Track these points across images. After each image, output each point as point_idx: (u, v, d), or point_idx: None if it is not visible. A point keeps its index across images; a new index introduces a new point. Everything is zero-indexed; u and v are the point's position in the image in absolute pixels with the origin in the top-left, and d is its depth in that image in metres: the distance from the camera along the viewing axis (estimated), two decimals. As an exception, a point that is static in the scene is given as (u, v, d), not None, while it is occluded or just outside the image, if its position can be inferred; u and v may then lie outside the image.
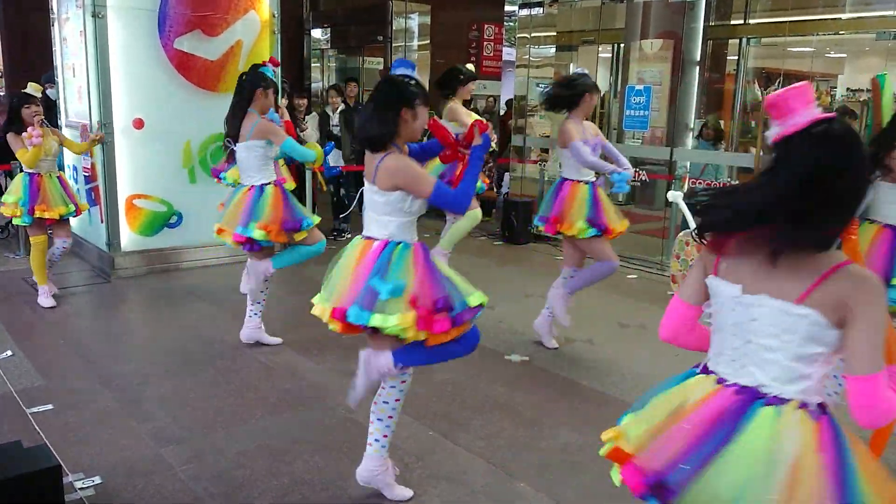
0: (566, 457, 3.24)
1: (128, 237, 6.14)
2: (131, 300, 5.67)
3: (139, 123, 6.00)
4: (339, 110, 7.87)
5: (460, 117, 5.02)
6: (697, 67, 8.21)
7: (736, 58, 9.82)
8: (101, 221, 6.11)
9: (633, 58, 8.43)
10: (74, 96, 6.39)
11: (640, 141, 7.70)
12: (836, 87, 12.11)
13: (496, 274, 5.86)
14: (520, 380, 4.13)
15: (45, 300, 5.26)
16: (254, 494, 2.88)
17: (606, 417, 3.60)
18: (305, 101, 7.78)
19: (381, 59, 10.95)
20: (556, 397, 3.88)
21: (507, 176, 8.38)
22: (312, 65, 12.29)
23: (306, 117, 7.59)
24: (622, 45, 9.46)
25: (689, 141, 8.20)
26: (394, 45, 11.02)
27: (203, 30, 6.17)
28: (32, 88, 5.19)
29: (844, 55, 12.63)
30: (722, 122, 8.46)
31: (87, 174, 6.23)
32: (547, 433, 3.46)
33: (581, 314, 5.23)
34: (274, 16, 6.59)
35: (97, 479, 2.94)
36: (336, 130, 7.87)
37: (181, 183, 6.23)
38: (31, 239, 5.27)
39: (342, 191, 8.02)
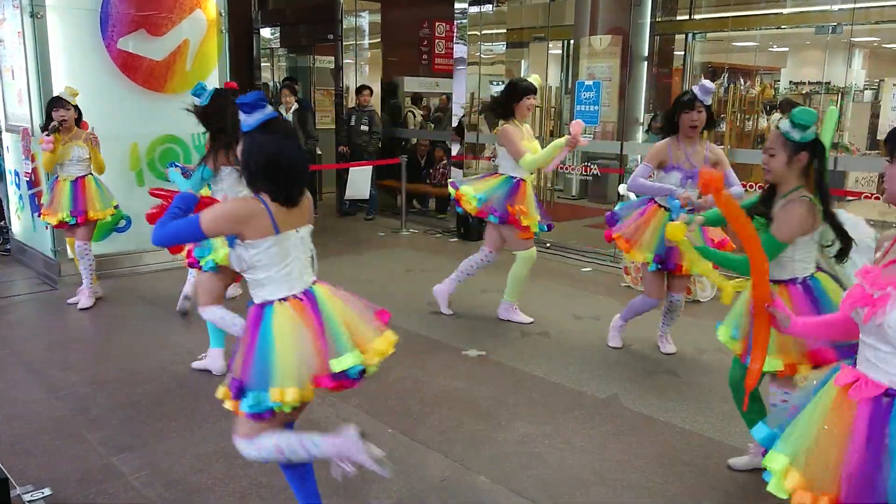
0: (524, 448, 3.27)
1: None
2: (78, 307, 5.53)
3: (83, 127, 5.84)
4: (292, 109, 7.80)
5: (511, 143, 4.71)
6: (646, 63, 8.37)
7: (682, 53, 10.03)
8: (46, 227, 5.94)
9: (583, 54, 8.53)
10: (14, 99, 6.19)
11: (591, 136, 7.79)
12: (779, 81, 12.46)
13: (452, 270, 5.85)
14: (477, 374, 4.15)
15: (86, 300, 5.32)
16: (210, 499, 2.84)
17: (563, 408, 3.67)
18: None
19: (333, 58, 10.86)
20: (512, 390, 3.91)
21: (460, 173, 8.39)
22: (262, 64, 12.13)
23: None
24: (572, 42, 9.58)
25: (640, 135, 8.34)
26: (344, 43, 10.95)
27: (147, 29, 6.05)
28: (67, 92, 5.11)
29: (787, 49, 13.00)
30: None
31: (28, 179, 6.05)
32: (504, 426, 3.49)
33: (536, 307, 5.29)
34: (221, 14, 6.49)
35: (46, 491, 2.86)
36: (288, 130, 7.80)
37: (129, 186, 6.08)
38: (68, 242, 5.38)
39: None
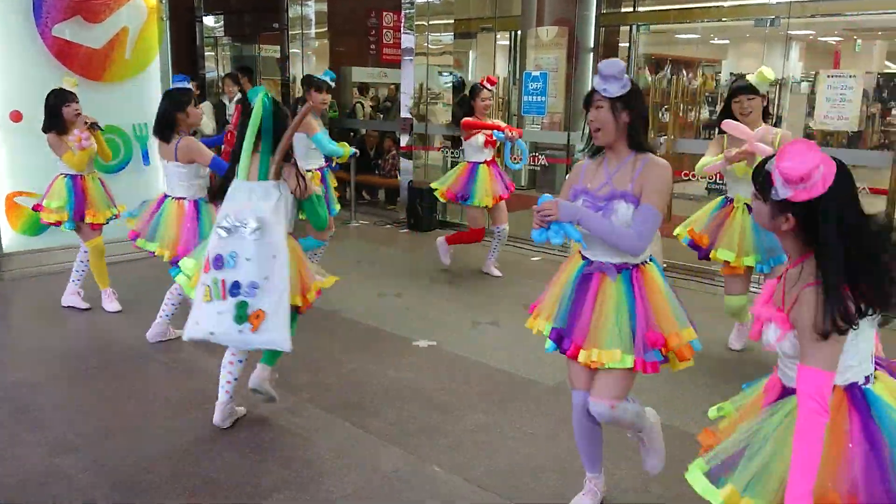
0: (476, 437, 3.29)
1: (11, 237, 5.77)
2: (18, 304, 5.34)
3: (17, 116, 5.62)
4: (235, 99, 7.65)
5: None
6: (591, 54, 8.45)
7: (627, 45, 10.18)
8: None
9: (530, 45, 8.58)
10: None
11: (538, 126, 7.86)
12: (720, 72, 12.76)
13: (402, 261, 5.88)
14: (428, 364, 4.16)
15: (109, 304, 4.99)
16: (158, 499, 2.79)
17: (514, 397, 3.71)
18: (197, 87, 7.48)
19: (278, 48, 10.69)
20: (464, 380, 3.94)
21: (409, 163, 8.38)
22: (206, 53, 11.87)
23: (199, 105, 7.30)
24: (519, 33, 9.63)
25: (586, 126, 8.44)
26: (290, 32, 10.78)
27: (84, 16, 5.85)
28: (67, 84, 4.81)
29: (727, 41, 13.32)
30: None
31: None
32: (456, 415, 3.51)
33: (486, 296, 5.33)
34: (161, 2, 6.32)
35: (-15, 495, 2.77)
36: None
37: (67, 178, 5.89)
38: (86, 244, 4.88)
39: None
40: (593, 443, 2.65)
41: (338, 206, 5.39)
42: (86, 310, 4.98)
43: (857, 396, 1.72)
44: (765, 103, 3.78)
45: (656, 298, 2.44)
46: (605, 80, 2.40)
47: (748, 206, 3.72)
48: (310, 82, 5.23)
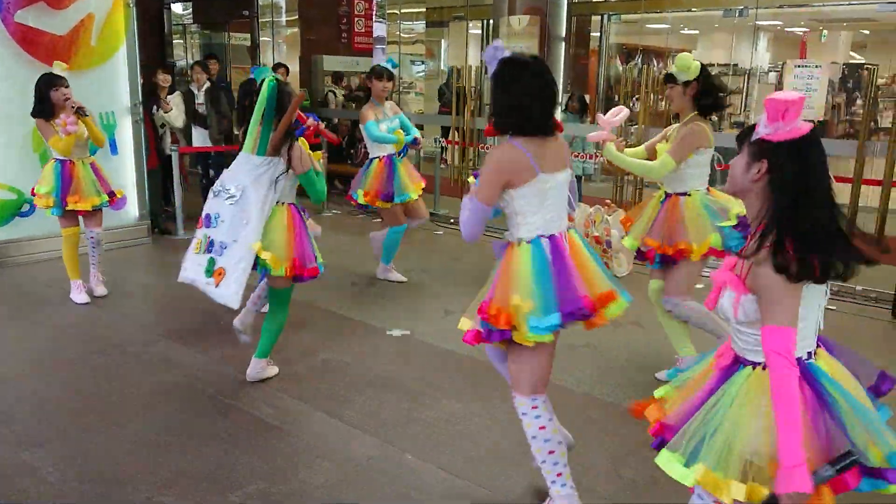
0: (450, 426, 3.32)
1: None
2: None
3: None
4: (204, 88, 7.54)
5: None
6: (563, 43, 8.48)
7: (598, 34, 10.24)
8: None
9: (502, 34, 8.58)
10: None
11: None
12: (690, 62, 12.87)
13: (367, 248, 5.86)
14: (401, 353, 4.17)
15: (77, 296, 4.92)
16: (130, 490, 2.77)
17: (486, 385, 3.73)
18: (169, 77, 7.35)
19: (248, 36, 10.56)
20: (437, 368, 3.95)
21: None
22: (175, 41, 11.69)
23: (169, 96, 7.20)
24: (491, 21, 9.62)
25: (557, 114, 8.48)
26: (261, 20, 10.66)
27: (48, 2, 5.73)
28: (59, 67, 4.69)
29: (697, 31, 13.44)
30: (587, 96, 8.79)
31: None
32: (430, 404, 3.53)
33: (459, 285, 5.34)
34: (128, -12, 6.21)
35: (-49, 491, 2.73)
36: (202, 109, 7.54)
37: (32, 168, 5.75)
38: (62, 231, 4.86)
39: (210, 172, 7.71)
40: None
41: (414, 194, 5.22)
42: (84, 304, 4.93)
43: (805, 370, 1.77)
44: (693, 92, 3.57)
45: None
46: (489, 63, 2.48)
47: (667, 194, 3.72)
48: (371, 71, 5.21)
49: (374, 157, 5.22)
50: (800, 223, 1.70)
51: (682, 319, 3.70)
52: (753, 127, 1.79)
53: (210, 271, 3.33)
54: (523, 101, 2.40)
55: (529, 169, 2.39)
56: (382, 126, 5.09)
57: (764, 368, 1.77)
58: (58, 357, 4.04)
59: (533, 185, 2.41)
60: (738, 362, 1.87)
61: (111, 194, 4.90)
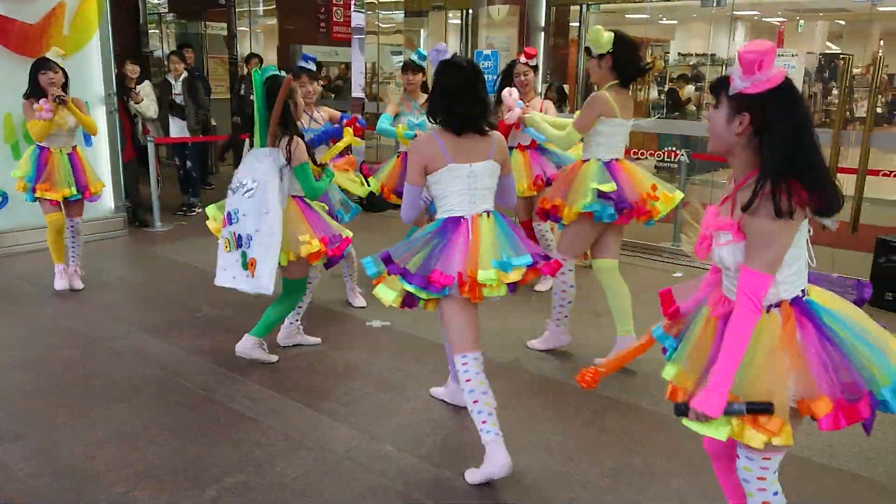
0: (428, 416, 3.31)
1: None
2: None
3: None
4: (181, 78, 7.44)
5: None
6: (543, 33, 8.47)
7: (578, 24, 10.22)
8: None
9: (482, 24, 8.55)
10: None
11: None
12: (668, 52, 12.92)
13: (356, 242, 5.80)
14: (381, 345, 4.16)
15: (57, 281, 4.90)
16: (104, 485, 2.73)
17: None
18: (138, 67, 7.22)
19: (225, 25, 10.43)
20: (417, 360, 3.94)
21: (361, 143, 8.28)
22: (150, 31, 11.52)
23: (138, 86, 7.08)
24: (470, 11, 9.58)
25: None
26: (237, 9, 10.53)
27: (18, -10, 5.61)
28: (53, 52, 4.63)
29: (675, 22, 13.47)
30: (566, 86, 8.78)
31: None
32: (409, 395, 3.51)
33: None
34: (100, -24, 6.10)
35: (-80, 488, 2.67)
36: (179, 99, 7.44)
37: (4, 160, 5.68)
38: (45, 217, 4.82)
39: (188, 163, 7.62)
40: None
41: None
42: (62, 290, 4.93)
43: (803, 307, 1.86)
44: (609, 64, 3.60)
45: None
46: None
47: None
48: (404, 65, 5.06)
49: (399, 151, 5.07)
50: (798, 165, 1.75)
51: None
52: (727, 79, 1.80)
53: (244, 265, 3.46)
54: (446, 102, 2.74)
55: (441, 157, 2.73)
56: (404, 120, 4.90)
57: (768, 311, 1.85)
58: (30, 350, 3.97)
59: (444, 172, 2.74)
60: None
61: (84, 188, 4.82)
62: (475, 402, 2.77)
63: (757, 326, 1.81)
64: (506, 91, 4.04)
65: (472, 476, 2.77)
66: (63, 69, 4.72)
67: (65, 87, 4.73)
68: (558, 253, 3.86)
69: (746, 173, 1.84)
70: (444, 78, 2.76)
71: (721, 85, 1.82)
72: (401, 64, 5.33)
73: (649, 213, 3.68)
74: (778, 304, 1.87)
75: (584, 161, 3.77)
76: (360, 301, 4.81)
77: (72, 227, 4.92)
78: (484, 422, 2.74)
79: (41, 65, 4.62)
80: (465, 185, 2.76)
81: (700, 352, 1.98)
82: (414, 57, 4.96)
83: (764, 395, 1.78)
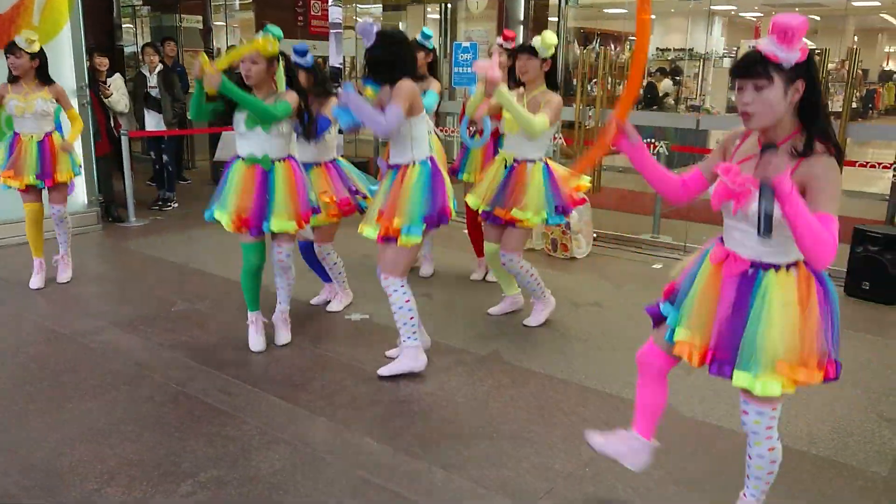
0: (407, 407, 3.27)
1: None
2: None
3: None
4: (157, 70, 7.33)
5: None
6: (522, 27, 8.44)
7: (557, 18, 10.21)
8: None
9: (461, 17, 8.52)
10: None
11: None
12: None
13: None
14: (360, 337, 4.11)
15: (33, 278, 4.81)
16: (75, 482, 2.66)
17: (445, 367, 3.70)
18: (107, 60, 7.07)
19: (200, 18, 10.29)
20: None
21: (340, 137, 8.22)
22: (124, 25, 11.34)
23: (108, 79, 6.94)
24: (448, 5, 9.53)
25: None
26: (213, 3, 10.40)
27: (-16, -21, 5.48)
28: (23, 38, 4.48)
29: (654, 17, 13.52)
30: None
31: None
32: (388, 387, 3.48)
33: (419, 270, 5.29)
34: (71, -34, 5.97)
35: None
36: (154, 92, 7.33)
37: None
38: (24, 206, 4.73)
39: (164, 157, 7.51)
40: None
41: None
42: (36, 289, 4.83)
43: (820, 278, 2.02)
44: (547, 67, 3.92)
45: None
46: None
47: (506, 160, 4.07)
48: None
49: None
50: (825, 122, 1.94)
51: (513, 273, 4.20)
52: (764, 59, 1.86)
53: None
54: (407, 56, 3.31)
55: (421, 104, 3.32)
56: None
57: (788, 269, 2.00)
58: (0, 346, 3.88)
59: (422, 116, 3.32)
60: (754, 267, 2.03)
61: (48, 175, 4.64)
62: (412, 318, 3.49)
63: (781, 286, 1.98)
64: (480, 61, 3.89)
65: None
66: (34, 53, 4.54)
67: (43, 70, 4.61)
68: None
69: (790, 132, 1.95)
70: (400, 42, 3.31)
71: (763, 65, 1.87)
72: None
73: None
74: (794, 264, 2.02)
75: (529, 161, 4.00)
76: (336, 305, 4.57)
77: (54, 213, 4.79)
78: (414, 332, 3.51)
79: (6, 49, 4.54)
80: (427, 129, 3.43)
81: (704, 305, 2.10)
82: (419, 37, 4.78)
83: (806, 354, 1.96)
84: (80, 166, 4.92)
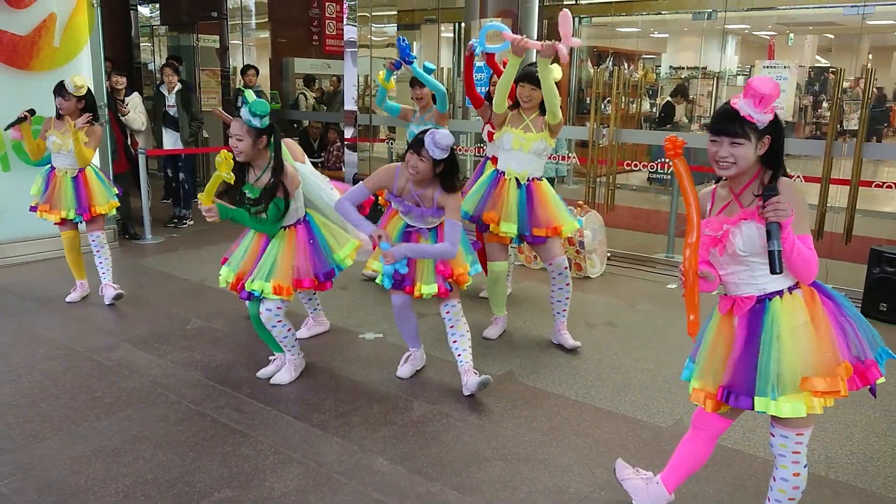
0: (421, 428, 3.26)
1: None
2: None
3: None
4: (175, 90, 7.41)
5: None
6: (535, 46, 8.47)
7: (570, 37, 10.27)
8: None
9: (475, 37, 8.56)
10: None
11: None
12: (660, 66, 13.00)
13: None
14: (374, 357, 4.11)
15: (71, 294, 5.00)
16: (90, 501, 2.67)
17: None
18: (125, 79, 7.18)
19: (217, 37, 10.42)
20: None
21: (354, 156, 8.28)
22: (142, 44, 11.52)
23: (126, 98, 7.04)
24: (462, 24, 9.61)
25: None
26: (230, 22, 10.54)
27: (7, 1, 5.58)
28: (71, 82, 4.63)
29: (667, 35, 13.56)
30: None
31: None
32: (401, 406, 3.47)
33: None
34: (92, -13, 6.08)
35: None
36: (172, 112, 7.41)
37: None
38: (64, 237, 4.94)
39: (181, 175, 7.58)
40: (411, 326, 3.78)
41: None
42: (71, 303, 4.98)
43: (822, 290, 2.16)
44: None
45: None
46: None
47: (517, 180, 4.10)
48: (410, 79, 5.02)
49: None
50: (782, 165, 2.17)
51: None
52: (739, 119, 2.08)
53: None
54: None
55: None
56: (411, 127, 5.04)
57: (791, 292, 2.13)
58: (14, 364, 3.91)
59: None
60: (760, 301, 2.16)
61: (85, 210, 4.75)
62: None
63: (787, 309, 2.10)
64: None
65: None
66: (82, 97, 4.68)
67: (92, 110, 4.74)
68: (556, 258, 4.20)
69: (747, 180, 2.17)
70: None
71: (738, 124, 2.07)
72: (395, 77, 5.25)
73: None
74: (796, 285, 2.15)
75: (539, 179, 4.16)
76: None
77: (93, 240, 4.90)
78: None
79: (55, 89, 4.69)
80: None
81: (717, 351, 2.23)
82: (422, 70, 4.85)
83: (827, 366, 2.04)
84: (117, 194, 4.98)
